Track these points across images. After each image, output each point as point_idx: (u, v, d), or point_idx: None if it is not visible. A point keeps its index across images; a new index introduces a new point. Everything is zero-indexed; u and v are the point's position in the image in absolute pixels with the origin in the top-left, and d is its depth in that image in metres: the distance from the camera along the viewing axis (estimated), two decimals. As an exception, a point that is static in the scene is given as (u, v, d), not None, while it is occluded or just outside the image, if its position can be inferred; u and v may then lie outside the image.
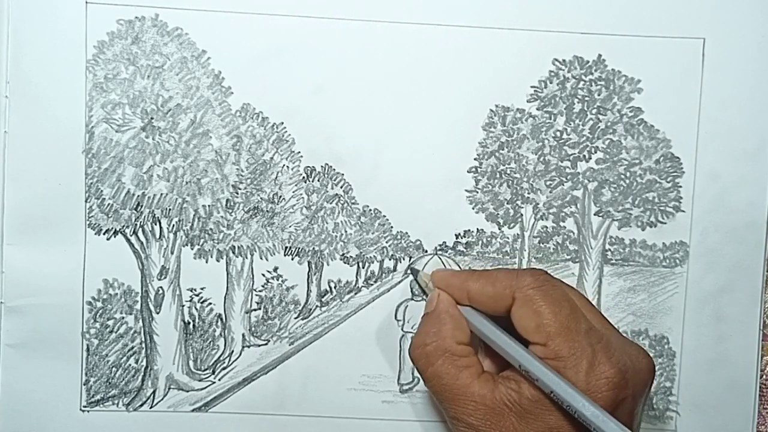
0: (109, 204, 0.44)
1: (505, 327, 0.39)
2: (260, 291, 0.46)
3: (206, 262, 0.45)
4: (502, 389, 0.36)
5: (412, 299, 0.46)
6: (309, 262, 0.46)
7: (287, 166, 0.45)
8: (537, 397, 0.35)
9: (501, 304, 0.38)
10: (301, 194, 0.46)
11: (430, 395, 0.45)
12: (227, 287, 0.45)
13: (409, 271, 0.46)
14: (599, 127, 0.46)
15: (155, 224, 0.45)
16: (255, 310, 0.46)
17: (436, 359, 0.38)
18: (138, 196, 0.44)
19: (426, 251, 0.46)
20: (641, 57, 0.45)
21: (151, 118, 0.44)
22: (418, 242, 0.46)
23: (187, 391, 0.46)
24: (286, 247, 0.46)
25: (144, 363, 0.45)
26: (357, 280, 0.46)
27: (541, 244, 0.46)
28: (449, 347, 0.38)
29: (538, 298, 0.37)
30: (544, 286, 0.37)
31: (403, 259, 0.46)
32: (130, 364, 0.45)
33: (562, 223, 0.46)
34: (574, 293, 0.39)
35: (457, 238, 0.46)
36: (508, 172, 0.46)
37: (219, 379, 0.46)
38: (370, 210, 0.46)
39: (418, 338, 0.40)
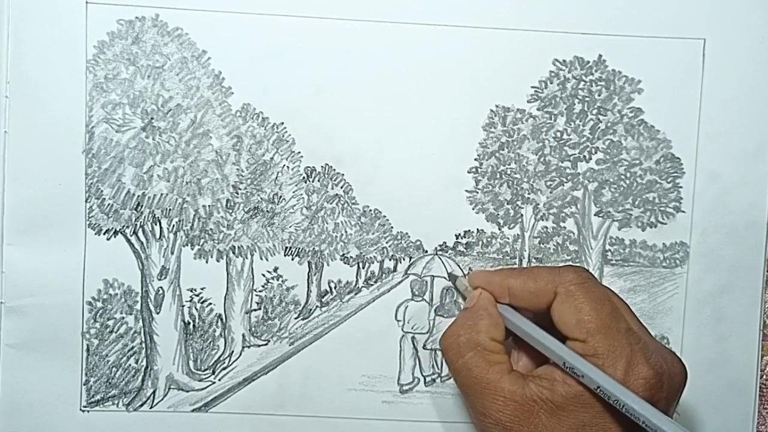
0: (109, 204, 0.44)
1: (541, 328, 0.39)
2: (260, 291, 0.46)
3: (206, 262, 0.45)
4: (532, 387, 0.36)
5: (412, 299, 0.46)
6: (309, 263, 0.46)
7: (287, 167, 0.45)
8: (572, 394, 0.35)
9: (542, 299, 0.38)
10: (301, 194, 0.46)
11: (458, 392, 0.45)
12: (227, 287, 0.45)
13: (446, 278, 0.46)
14: (599, 127, 0.46)
15: (155, 224, 0.45)
16: (255, 310, 0.46)
17: (467, 351, 0.38)
18: (138, 196, 0.44)
19: (426, 252, 0.46)
20: (641, 57, 0.45)
21: (152, 118, 0.44)
22: (418, 242, 0.46)
23: (187, 391, 0.46)
24: (286, 248, 0.46)
25: (144, 363, 0.45)
26: (357, 281, 0.46)
27: (542, 245, 0.46)
28: (482, 341, 0.38)
29: (580, 294, 0.37)
30: (586, 283, 0.37)
31: (404, 259, 0.46)
32: (130, 364, 0.45)
33: (562, 224, 0.46)
34: (614, 295, 0.39)
35: (457, 238, 0.46)
36: (509, 172, 0.46)
37: (219, 380, 0.46)
38: (370, 210, 0.46)
39: (451, 329, 0.40)
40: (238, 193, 0.45)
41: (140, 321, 0.45)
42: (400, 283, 0.46)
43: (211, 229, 0.45)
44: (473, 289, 0.41)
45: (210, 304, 0.46)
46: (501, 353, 0.39)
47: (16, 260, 0.44)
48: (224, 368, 0.46)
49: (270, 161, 0.45)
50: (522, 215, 0.46)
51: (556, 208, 0.46)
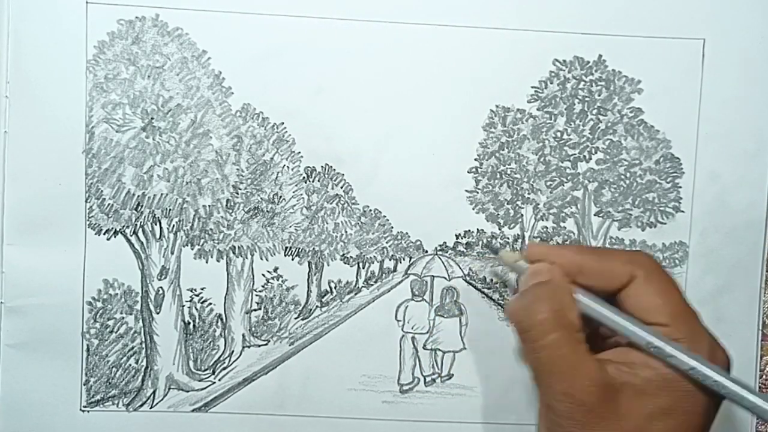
0: (109, 204, 0.44)
1: None
2: (260, 291, 0.46)
3: (206, 262, 0.45)
4: (611, 369, 0.35)
5: (412, 299, 0.46)
6: (309, 263, 0.46)
7: (287, 167, 0.45)
8: (655, 377, 0.35)
9: (616, 281, 0.36)
10: (301, 194, 0.46)
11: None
12: (227, 287, 0.45)
13: (484, 250, 0.43)
14: (599, 127, 0.46)
15: (155, 224, 0.45)
16: (255, 310, 0.46)
17: (555, 329, 0.35)
18: (138, 196, 0.44)
19: (426, 252, 0.46)
20: (641, 57, 0.45)
21: (152, 118, 0.44)
22: (418, 242, 0.46)
23: (187, 391, 0.46)
24: (287, 248, 0.46)
25: (144, 363, 0.45)
26: (357, 281, 0.46)
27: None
28: (571, 319, 0.36)
29: (661, 277, 0.36)
30: (661, 269, 0.36)
31: (404, 259, 0.46)
32: (130, 364, 0.45)
33: (562, 224, 0.46)
34: None
35: (457, 238, 0.46)
36: (509, 172, 0.46)
37: (219, 380, 0.46)
38: (370, 210, 0.46)
39: (532, 306, 0.36)
40: (238, 193, 0.45)
41: (140, 321, 0.45)
42: (400, 283, 0.46)
43: (211, 229, 0.45)
44: (530, 263, 0.38)
45: (210, 304, 0.46)
46: (582, 332, 0.36)
47: (16, 260, 0.44)
48: (224, 368, 0.46)
49: (270, 161, 0.45)
50: (522, 215, 0.46)
51: (556, 208, 0.46)
